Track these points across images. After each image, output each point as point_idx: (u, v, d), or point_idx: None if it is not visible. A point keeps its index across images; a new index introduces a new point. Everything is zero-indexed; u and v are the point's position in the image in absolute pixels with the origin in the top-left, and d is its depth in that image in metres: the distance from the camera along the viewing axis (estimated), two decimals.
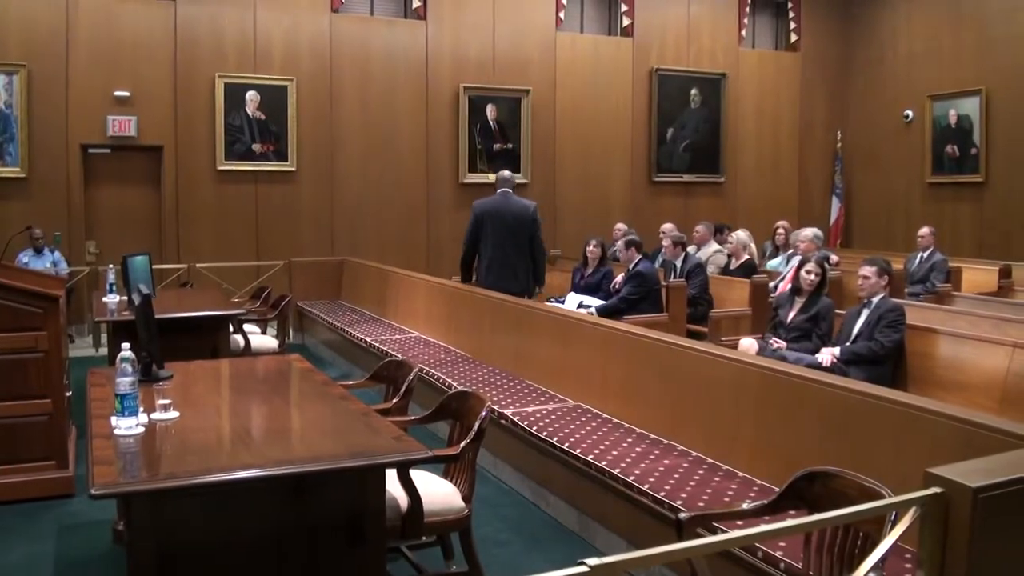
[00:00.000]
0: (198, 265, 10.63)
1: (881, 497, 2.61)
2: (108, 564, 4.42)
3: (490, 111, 12.41)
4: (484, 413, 3.77)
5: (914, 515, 2.19)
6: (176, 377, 4.26)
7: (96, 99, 10.56)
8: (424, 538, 3.92)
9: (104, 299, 7.12)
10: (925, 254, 9.78)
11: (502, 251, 7.72)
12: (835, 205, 14.37)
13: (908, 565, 3.16)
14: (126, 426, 3.36)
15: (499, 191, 8.06)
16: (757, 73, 14.16)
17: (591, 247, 8.92)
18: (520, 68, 12.58)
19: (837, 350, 5.79)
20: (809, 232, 8.58)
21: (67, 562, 4.48)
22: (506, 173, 8.22)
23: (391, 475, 3.43)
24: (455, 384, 6.18)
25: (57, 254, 10.07)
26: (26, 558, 4.49)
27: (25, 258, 9.78)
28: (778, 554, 3.30)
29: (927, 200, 13.26)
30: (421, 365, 6.67)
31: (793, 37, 14.43)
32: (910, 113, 13.46)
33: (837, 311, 6.35)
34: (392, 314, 9.37)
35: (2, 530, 4.81)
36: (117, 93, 10.62)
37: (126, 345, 3.60)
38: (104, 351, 8.57)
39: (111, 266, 7.77)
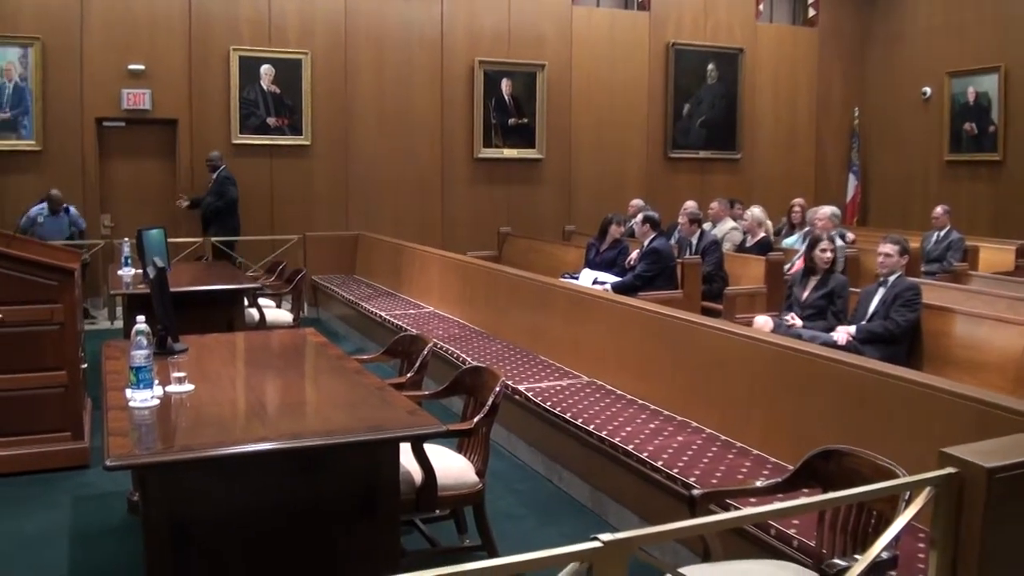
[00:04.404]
0: (213, 239, 10.65)
1: (895, 476, 2.61)
2: (123, 534, 4.46)
3: (505, 86, 12.34)
4: (498, 388, 3.78)
5: (928, 495, 2.19)
6: (191, 350, 4.26)
7: (111, 72, 10.55)
8: (438, 512, 3.95)
9: (119, 272, 7.14)
10: (941, 233, 9.73)
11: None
12: (851, 183, 14.25)
13: (921, 545, 3.15)
14: (141, 398, 3.36)
15: (224, 167, 10.70)
16: (774, 48, 14.01)
17: (615, 226, 8.84)
18: (536, 42, 12.49)
19: (853, 328, 5.77)
20: (827, 210, 8.51)
21: (82, 532, 4.52)
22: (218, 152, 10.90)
23: (405, 449, 3.44)
24: (469, 359, 6.18)
25: (73, 211, 10.04)
26: (41, 528, 4.53)
27: (40, 218, 9.75)
28: (791, 532, 3.30)
29: (944, 178, 13.15)
30: (435, 340, 6.65)
31: (811, 12, 14.27)
32: (928, 90, 13.32)
33: (852, 289, 6.33)
34: (407, 289, 9.37)
35: (18, 500, 4.86)
36: (131, 66, 10.60)
37: (141, 318, 3.61)
38: (119, 324, 8.60)
39: (126, 239, 7.78)
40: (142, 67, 10.64)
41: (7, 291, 5.09)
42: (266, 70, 11.13)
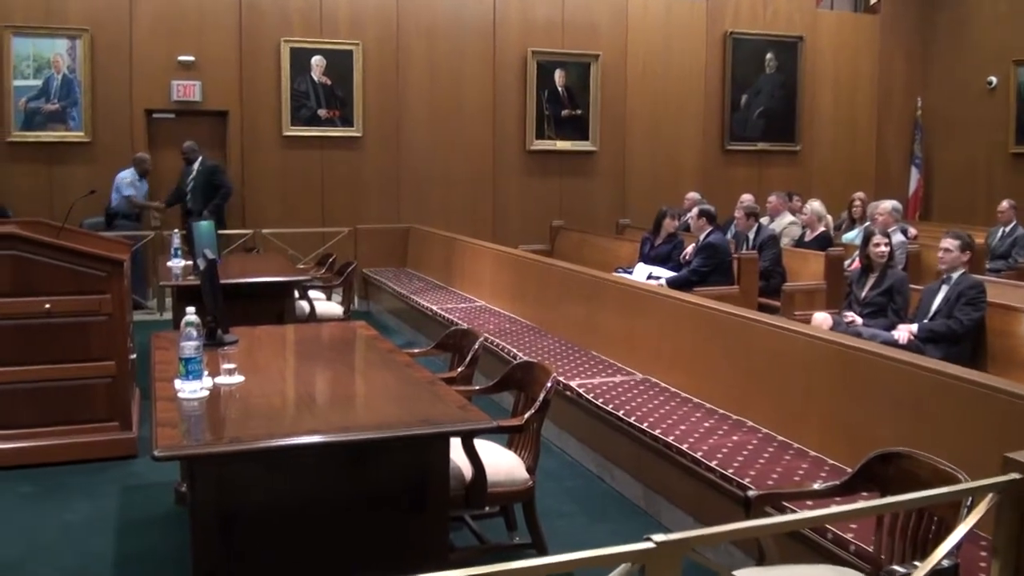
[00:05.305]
0: (264, 231, 10.70)
1: (957, 481, 2.55)
2: (170, 524, 4.50)
3: (558, 76, 12.24)
4: (549, 384, 3.73)
5: (991, 501, 2.15)
6: (241, 342, 4.29)
7: (160, 64, 10.62)
8: (487, 508, 3.93)
9: (169, 264, 7.18)
10: (1007, 228, 9.49)
11: None
12: (914, 175, 13.90)
13: (983, 553, 3.07)
14: (190, 389, 3.39)
15: (203, 156, 10.21)
16: (835, 36, 13.71)
17: (670, 220, 8.76)
18: (590, 32, 12.36)
19: (915, 327, 5.65)
20: (888, 204, 8.32)
21: (128, 521, 4.57)
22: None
23: (455, 444, 3.42)
24: (520, 354, 6.14)
25: (145, 183, 10.23)
26: (88, 517, 4.59)
27: (130, 178, 10.00)
28: (849, 536, 3.24)
29: (1010, 171, 12.77)
30: (486, 334, 6.63)
31: None
32: (994, 79, 12.94)
33: (914, 286, 6.20)
34: (458, 282, 9.37)
35: (65, 489, 4.92)
36: (181, 58, 10.67)
37: (191, 309, 3.63)
38: (168, 315, 8.68)
39: (176, 231, 7.85)
40: (192, 58, 10.71)
41: (56, 282, 5.16)
42: (317, 61, 11.16)
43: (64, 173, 10.34)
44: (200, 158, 10.25)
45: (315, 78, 11.17)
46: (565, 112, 12.31)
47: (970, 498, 2.34)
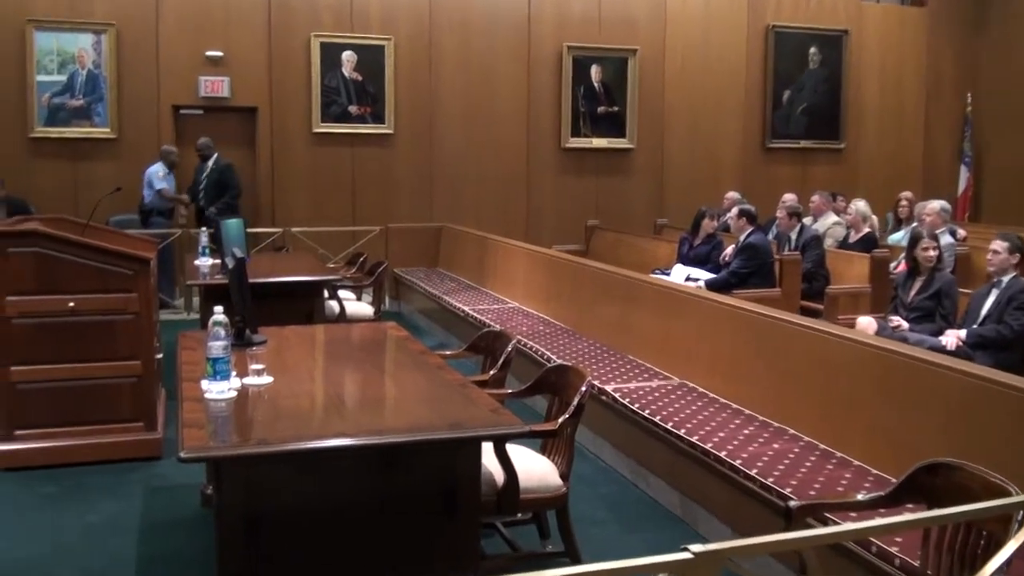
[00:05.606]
0: (293, 229, 10.66)
1: (1008, 494, 2.51)
2: (195, 527, 4.47)
3: (595, 72, 12.11)
4: (584, 388, 3.68)
5: None
6: (270, 342, 4.26)
7: (187, 59, 10.59)
8: (520, 515, 3.87)
9: (196, 262, 7.15)
10: None
11: None
12: (963, 174, 13.57)
13: None
14: (218, 390, 3.37)
15: (218, 154, 10.13)
16: (881, 30, 13.45)
17: (709, 220, 8.63)
18: (627, 26, 12.21)
19: (963, 332, 5.52)
20: (936, 204, 8.13)
21: (153, 523, 4.54)
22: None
23: (487, 449, 3.39)
24: (554, 357, 6.07)
25: (172, 176, 10.20)
26: (112, 518, 4.57)
27: (162, 172, 9.98)
28: (893, 550, 3.16)
29: None
30: (519, 336, 6.55)
31: None
32: None
33: (963, 290, 6.09)
34: (491, 283, 9.30)
35: (89, 490, 4.92)
36: (209, 53, 10.64)
37: (219, 308, 3.61)
38: (195, 315, 8.66)
39: (204, 229, 7.82)
40: (220, 54, 10.68)
41: (82, 280, 5.14)
42: (348, 56, 11.09)
43: (89, 170, 10.35)
44: (215, 155, 10.18)
45: (346, 74, 11.11)
46: (601, 109, 12.18)
47: (1021, 512, 2.29)
